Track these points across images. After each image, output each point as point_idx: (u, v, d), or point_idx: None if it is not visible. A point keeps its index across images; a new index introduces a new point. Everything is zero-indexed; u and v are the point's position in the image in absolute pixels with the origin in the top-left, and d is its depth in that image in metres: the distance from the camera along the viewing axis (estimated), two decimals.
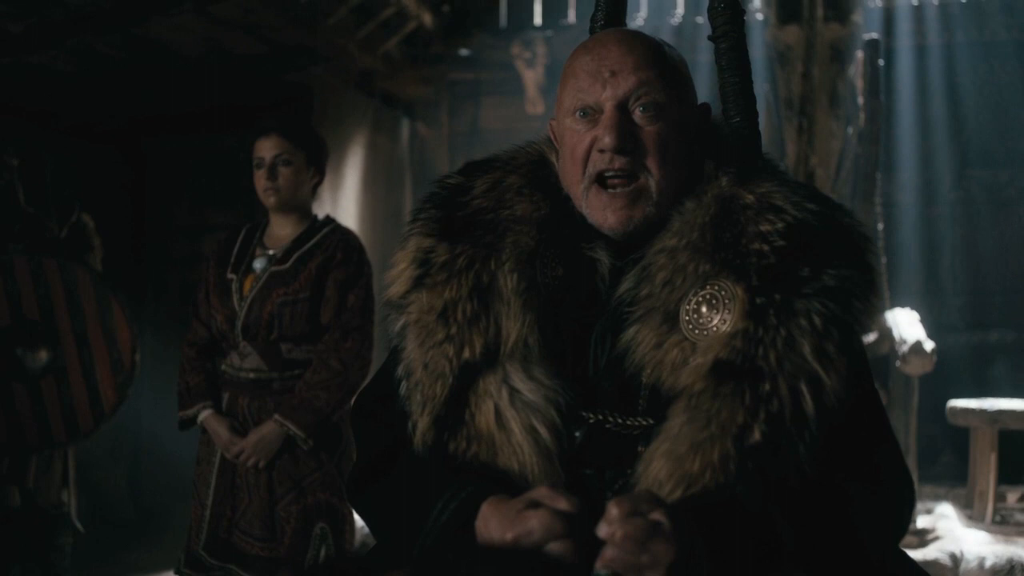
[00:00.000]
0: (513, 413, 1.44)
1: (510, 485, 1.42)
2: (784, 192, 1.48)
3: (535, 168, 1.64)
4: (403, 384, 1.55)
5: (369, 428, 1.68)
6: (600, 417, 1.46)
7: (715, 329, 1.41)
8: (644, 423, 1.44)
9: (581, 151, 1.52)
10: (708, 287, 1.43)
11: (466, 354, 1.48)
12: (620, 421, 1.45)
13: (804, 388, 1.36)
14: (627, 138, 1.49)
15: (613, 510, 1.25)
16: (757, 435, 1.34)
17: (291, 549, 3.25)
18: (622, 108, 1.50)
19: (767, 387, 1.36)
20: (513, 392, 1.45)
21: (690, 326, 1.43)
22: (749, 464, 1.34)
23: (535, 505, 1.32)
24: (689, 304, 1.44)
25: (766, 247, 1.42)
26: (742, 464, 1.34)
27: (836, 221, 1.48)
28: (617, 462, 1.44)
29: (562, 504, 1.31)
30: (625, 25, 1.88)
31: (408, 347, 1.54)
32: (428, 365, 1.50)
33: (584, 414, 1.47)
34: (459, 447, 1.47)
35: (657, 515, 1.25)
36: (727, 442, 1.35)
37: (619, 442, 1.45)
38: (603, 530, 1.25)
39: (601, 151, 1.50)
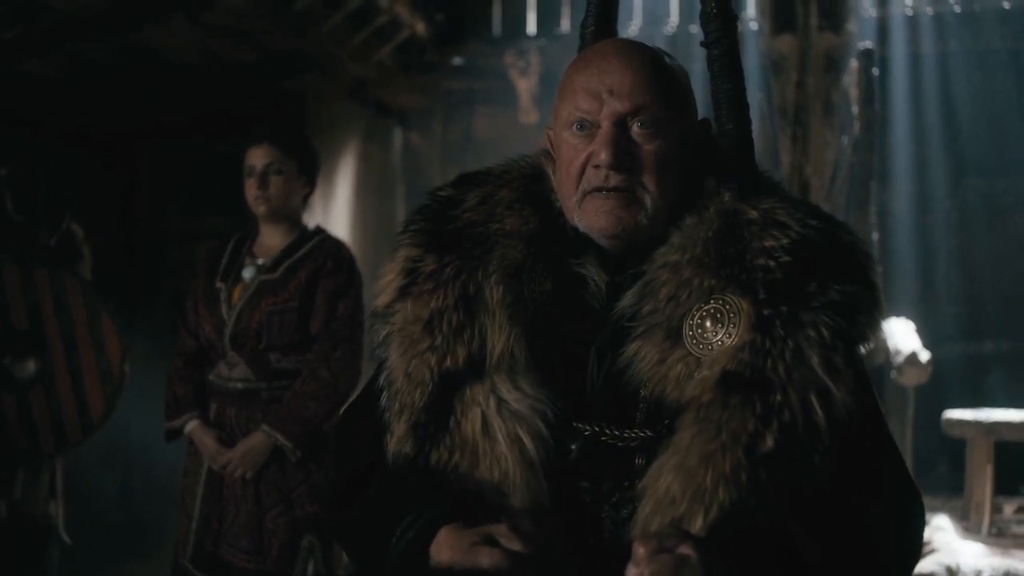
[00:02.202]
0: (499, 422, 1.43)
1: (489, 496, 1.41)
2: (787, 208, 1.47)
3: (528, 182, 1.61)
4: (384, 393, 1.53)
5: (349, 446, 1.67)
6: (596, 429, 1.43)
7: (720, 343, 1.39)
8: (642, 435, 1.42)
9: (577, 166, 1.49)
10: (712, 301, 1.41)
11: (448, 363, 1.46)
12: (617, 433, 1.43)
13: (814, 399, 1.35)
14: (623, 155, 1.46)
15: (640, 550, 1.25)
16: (770, 442, 1.33)
17: (279, 562, 3.22)
18: (620, 124, 1.47)
19: (778, 398, 1.35)
20: (500, 402, 1.44)
21: (694, 341, 1.41)
22: (761, 473, 1.32)
23: (491, 541, 1.32)
24: (693, 319, 1.42)
25: (772, 262, 1.41)
26: (754, 474, 1.32)
27: (839, 238, 1.47)
28: (614, 474, 1.42)
29: (516, 546, 1.31)
30: (616, 32, 1.85)
31: (391, 356, 1.53)
32: (410, 374, 1.49)
33: (579, 426, 1.44)
34: (441, 457, 1.45)
35: (685, 549, 1.25)
36: (738, 451, 1.33)
37: (616, 455, 1.42)
38: (631, 572, 1.24)
39: (596, 167, 1.47)
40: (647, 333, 1.44)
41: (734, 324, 1.39)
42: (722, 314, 1.40)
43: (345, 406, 1.76)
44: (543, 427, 1.43)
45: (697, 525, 1.32)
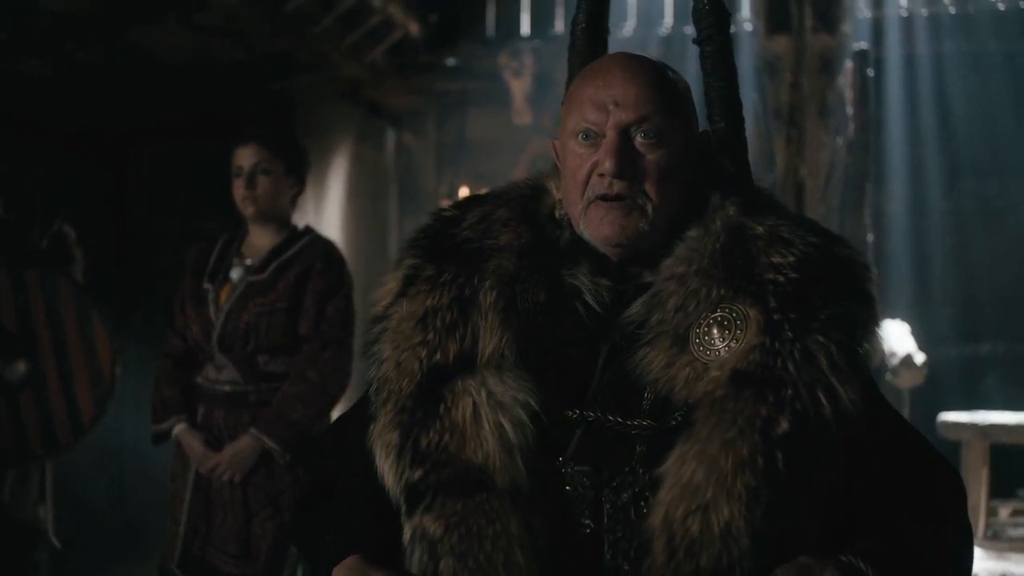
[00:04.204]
0: (487, 411, 1.49)
1: (473, 475, 1.48)
2: (789, 225, 1.53)
3: (525, 202, 1.67)
4: (373, 386, 1.58)
5: (329, 450, 1.75)
6: (599, 415, 1.48)
7: (727, 349, 1.45)
8: (645, 424, 1.46)
9: (582, 175, 1.56)
10: (720, 310, 1.47)
11: (438, 357, 1.53)
12: (620, 420, 1.47)
13: (822, 396, 1.41)
14: (626, 164, 1.52)
15: None
16: (784, 425, 1.38)
17: (266, 567, 3.20)
18: (624, 134, 1.54)
19: (789, 392, 1.40)
20: (489, 393, 1.50)
21: (701, 348, 1.47)
22: (778, 455, 1.37)
23: None
24: (700, 327, 1.47)
25: (781, 277, 1.47)
26: (771, 457, 1.37)
27: (837, 253, 1.53)
28: (614, 460, 1.47)
29: None
30: (607, 29, 1.89)
31: (384, 351, 1.58)
32: (400, 364, 1.54)
33: (583, 412, 1.49)
34: (431, 441, 1.50)
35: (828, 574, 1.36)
36: (754, 436, 1.38)
37: (617, 440, 1.47)
38: None
39: (601, 175, 1.53)
40: (654, 340, 1.49)
41: (741, 331, 1.45)
42: (729, 322, 1.46)
43: (341, 414, 1.82)
44: (523, 415, 1.48)
45: (723, 512, 1.36)
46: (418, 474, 1.48)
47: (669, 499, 1.39)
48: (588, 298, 1.56)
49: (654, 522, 1.39)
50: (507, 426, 1.47)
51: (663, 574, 1.36)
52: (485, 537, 1.42)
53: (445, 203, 1.99)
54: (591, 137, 1.55)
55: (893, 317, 5.78)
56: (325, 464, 1.72)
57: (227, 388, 3.31)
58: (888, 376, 5.35)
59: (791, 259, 1.48)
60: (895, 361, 5.32)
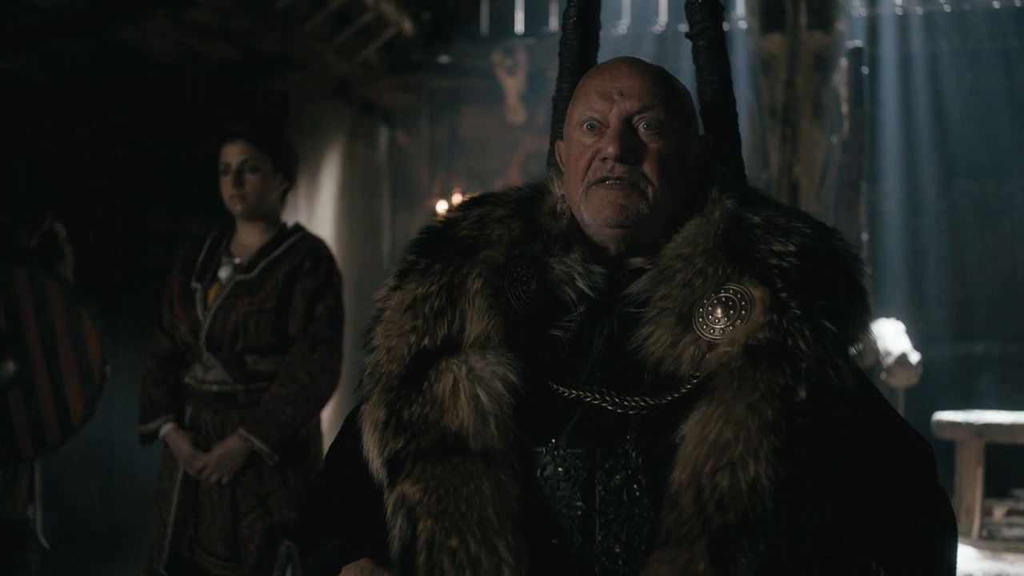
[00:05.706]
0: (465, 383, 1.55)
1: (449, 440, 1.53)
2: (784, 216, 1.59)
3: (523, 203, 1.73)
4: (367, 369, 1.65)
5: (337, 450, 1.81)
6: (597, 396, 1.52)
7: (732, 328, 1.48)
8: (643, 403, 1.49)
9: (585, 160, 1.63)
10: (724, 291, 1.51)
11: (426, 342, 1.59)
12: (617, 400, 1.50)
13: (831, 374, 1.45)
14: (629, 149, 1.58)
15: None
16: (802, 394, 1.42)
17: (255, 568, 3.17)
18: (627, 123, 1.60)
19: (804, 366, 1.44)
20: (469, 369, 1.56)
21: (704, 327, 1.51)
22: (799, 422, 1.41)
23: None
24: (703, 307, 1.51)
25: (785, 264, 1.52)
26: (792, 422, 1.41)
27: (831, 245, 1.58)
28: (608, 441, 1.49)
29: None
30: (599, 24, 1.95)
31: (377, 340, 1.65)
32: (391, 349, 1.61)
33: (580, 393, 1.53)
34: (413, 413, 1.56)
35: None
36: (776, 401, 1.42)
37: (611, 424, 1.50)
38: None
39: (603, 159, 1.60)
40: (658, 317, 1.54)
41: (746, 311, 1.49)
42: (734, 302, 1.50)
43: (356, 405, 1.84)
44: (500, 386, 1.54)
45: (750, 470, 1.40)
46: (400, 443, 1.54)
47: (696, 455, 1.41)
48: (580, 283, 1.62)
49: (680, 476, 1.41)
50: (482, 396, 1.53)
51: (692, 526, 1.38)
52: (460, 497, 1.46)
53: (439, 203, 2.04)
54: (596, 127, 1.62)
55: (888, 316, 5.76)
56: (331, 465, 1.80)
57: (215, 388, 3.28)
58: (883, 375, 5.33)
59: (791, 247, 1.53)
60: (890, 360, 5.30)
